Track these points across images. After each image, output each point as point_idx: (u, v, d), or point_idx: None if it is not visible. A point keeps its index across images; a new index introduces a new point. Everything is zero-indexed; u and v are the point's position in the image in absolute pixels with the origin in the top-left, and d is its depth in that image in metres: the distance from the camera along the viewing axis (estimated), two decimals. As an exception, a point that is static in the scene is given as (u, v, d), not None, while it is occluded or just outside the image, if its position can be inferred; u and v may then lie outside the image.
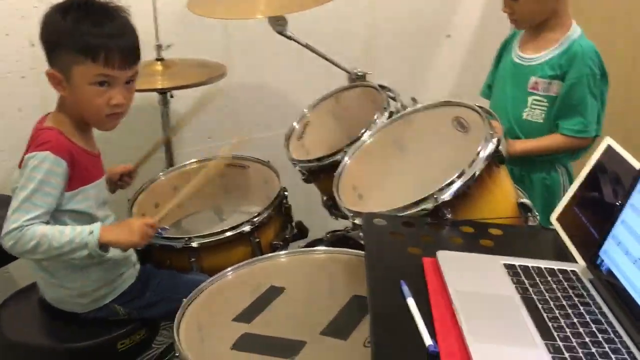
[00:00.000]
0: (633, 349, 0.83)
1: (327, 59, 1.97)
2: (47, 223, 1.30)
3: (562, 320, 0.88)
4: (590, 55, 1.68)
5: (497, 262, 1.02)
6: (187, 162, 2.00)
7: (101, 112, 1.35)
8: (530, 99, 1.77)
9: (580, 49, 1.69)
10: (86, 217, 1.39)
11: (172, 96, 1.99)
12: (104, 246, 1.33)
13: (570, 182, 1.79)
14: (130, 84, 1.38)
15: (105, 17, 1.32)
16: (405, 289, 0.95)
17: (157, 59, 1.94)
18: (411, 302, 0.92)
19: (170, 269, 1.62)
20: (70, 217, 1.36)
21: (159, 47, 1.94)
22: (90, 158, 1.41)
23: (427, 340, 0.83)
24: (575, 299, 0.93)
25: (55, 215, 1.34)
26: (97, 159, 1.46)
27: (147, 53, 1.94)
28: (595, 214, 1.12)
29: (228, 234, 1.63)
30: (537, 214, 1.37)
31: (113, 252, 1.44)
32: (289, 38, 1.91)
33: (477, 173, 1.25)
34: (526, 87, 1.77)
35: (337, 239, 1.88)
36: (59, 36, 1.31)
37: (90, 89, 1.32)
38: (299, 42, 1.93)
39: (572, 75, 1.69)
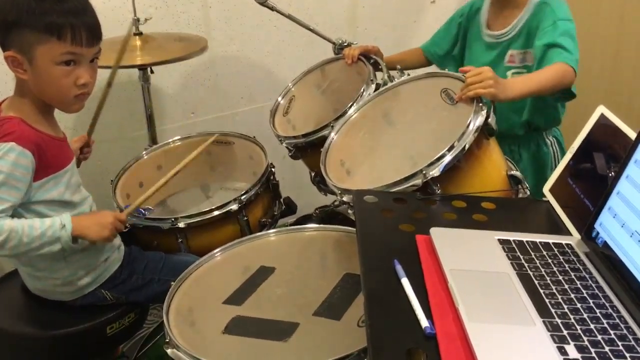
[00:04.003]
0: (631, 323, 0.82)
1: (310, 30, 1.92)
2: (12, 217, 1.25)
3: (559, 297, 0.87)
4: (554, 5, 1.60)
5: (492, 238, 1.01)
6: (171, 140, 1.95)
7: (69, 93, 1.29)
8: (508, 73, 1.70)
9: (545, 3, 1.62)
10: (61, 204, 1.34)
11: (152, 72, 1.93)
12: (74, 239, 1.29)
13: (562, 152, 1.76)
14: (94, 62, 1.33)
15: None
16: (399, 268, 0.93)
17: (136, 34, 1.87)
18: (405, 282, 0.90)
19: (157, 250, 1.59)
20: (45, 206, 1.32)
21: (136, 21, 1.87)
22: (57, 143, 1.35)
23: (424, 322, 0.82)
24: (572, 274, 0.92)
25: (29, 207, 1.29)
26: (64, 142, 1.40)
27: (124, 27, 1.89)
28: (589, 185, 1.10)
29: (216, 213, 1.60)
30: (527, 185, 1.35)
31: None
32: (271, 9, 1.86)
33: (467, 146, 1.22)
34: (503, 63, 1.71)
35: (326, 215, 1.86)
36: (19, 15, 1.23)
37: (57, 69, 1.26)
38: (281, 13, 1.88)
39: (543, 25, 1.59)
